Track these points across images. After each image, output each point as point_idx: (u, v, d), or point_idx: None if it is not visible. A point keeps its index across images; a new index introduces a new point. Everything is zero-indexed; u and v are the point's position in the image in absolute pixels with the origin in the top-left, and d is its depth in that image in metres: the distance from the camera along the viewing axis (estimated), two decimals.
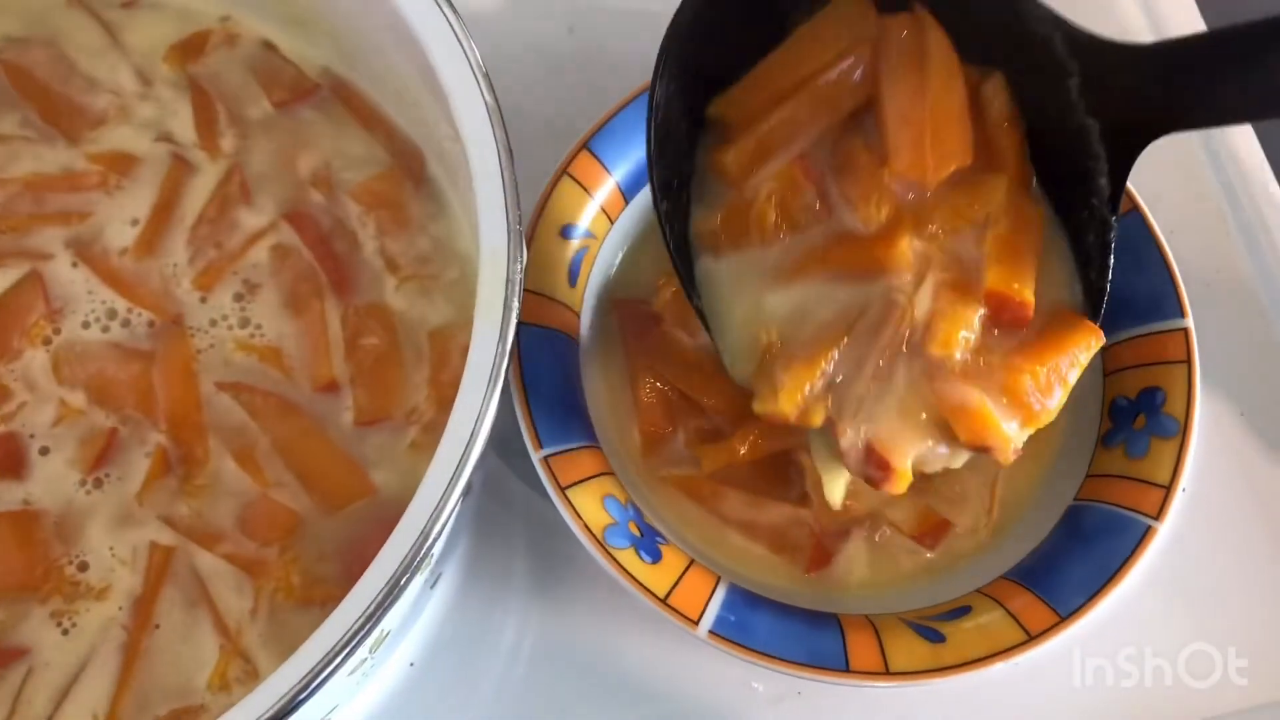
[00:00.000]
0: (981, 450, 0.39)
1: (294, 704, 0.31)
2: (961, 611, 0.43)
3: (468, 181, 0.38)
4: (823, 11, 0.43)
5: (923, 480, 0.41)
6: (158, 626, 0.40)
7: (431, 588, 0.46)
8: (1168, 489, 0.43)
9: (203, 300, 0.44)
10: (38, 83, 0.47)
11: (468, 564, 0.49)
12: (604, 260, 0.50)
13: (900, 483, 0.39)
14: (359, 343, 0.44)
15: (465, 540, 0.49)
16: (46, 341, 0.43)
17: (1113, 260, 0.41)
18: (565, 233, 0.48)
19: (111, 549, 0.41)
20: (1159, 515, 0.43)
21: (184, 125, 0.47)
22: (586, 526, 0.42)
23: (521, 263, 0.36)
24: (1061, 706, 0.47)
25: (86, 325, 0.44)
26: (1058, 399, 0.39)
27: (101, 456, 0.42)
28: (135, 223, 0.45)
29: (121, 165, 0.46)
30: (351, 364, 0.44)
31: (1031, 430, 0.39)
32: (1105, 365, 0.48)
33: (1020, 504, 0.48)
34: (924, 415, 0.39)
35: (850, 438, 0.39)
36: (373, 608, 0.32)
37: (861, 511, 0.47)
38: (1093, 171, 0.41)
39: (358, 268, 0.46)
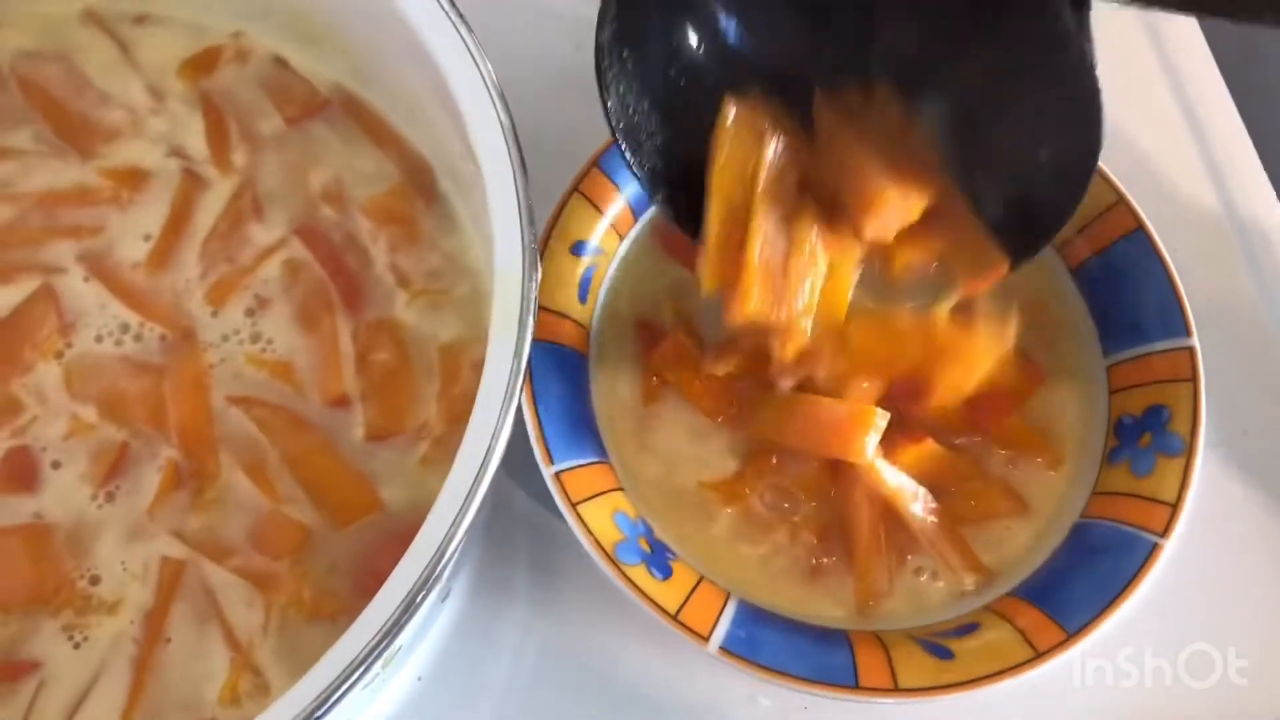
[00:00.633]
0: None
1: None
2: (969, 628, 0.43)
3: (483, 200, 0.38)
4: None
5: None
6: (169, 640, 0.40)
7: (442, 602, 0.46)
8: (1174, 506, 0.44)
9: (214, 315, 0.45)
10: (51, 98, 0.47)
11: (474, 577, 0.49)
12: (614, 277, 0.50)
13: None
14: (370, 358, 0.44)
15: (474, 555, 0.49)
16: (58, 355, 0.43)
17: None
18: (576, 250, 0.48)
19: (123, 563, 0.41)
20: (1165, 533, 0.43)
21: (196, 140, 0.47)
22: (598, 542, 0.42)
23: (536, 281, 0.37)
24: (1061, 706, 0.47)
25: (99, 339, 0.44)
26: None
27: (113, 470, 0.42)
28: (147, 237, 0.46)
29: (134, 180, 0.46)
30: (362, 379, 0.44)
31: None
32: (1111, 383, 0.48)
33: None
34: None
35: None
36: (389, 625, 0.32)
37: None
38: None
39: (369, 283, 0.46)
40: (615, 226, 0.50)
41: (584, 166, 0.49)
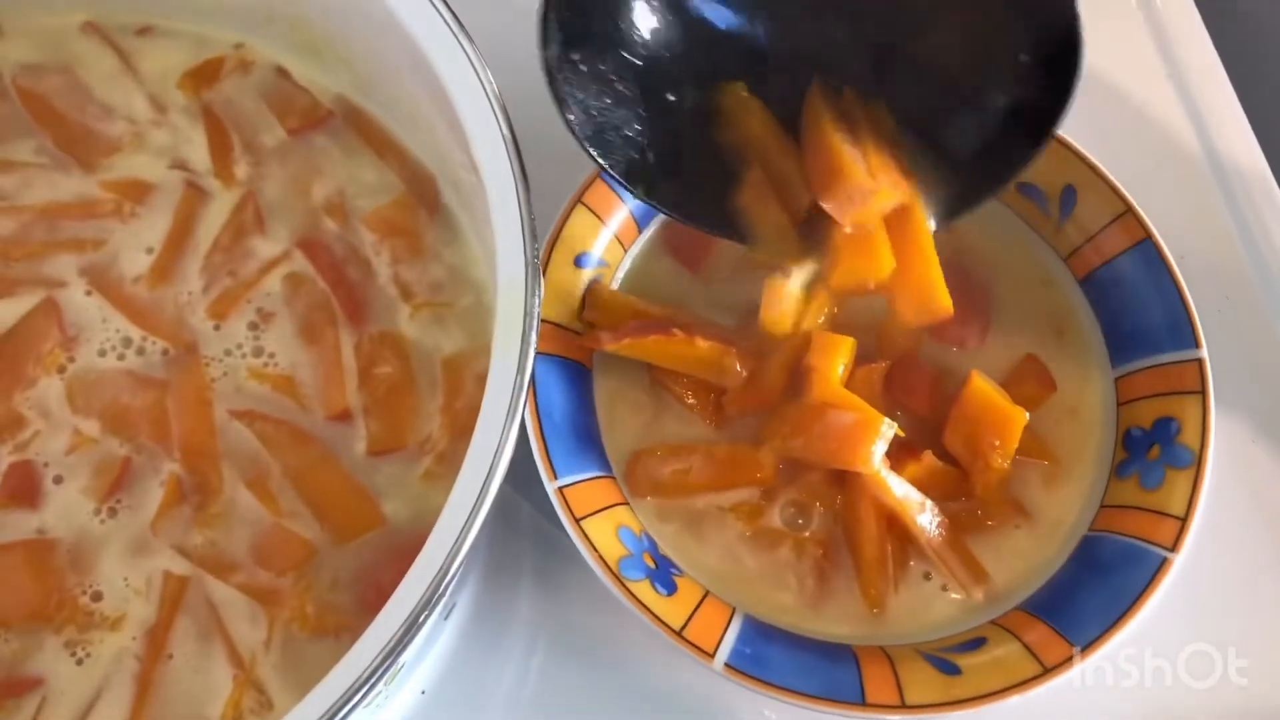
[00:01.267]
0: None
1: None
2: (977, 643, 0.43)
3: (484, 213, 0.38)
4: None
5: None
6: (171, 657, 0.40)
7: (446, 618, 0.46)
8: (1183, 520, 0.43)
9: (216, 329, 0.44)
10: (53, 110, 0.47)
11: (478, 591, 0.49)
12: (617, 287, 0.50)
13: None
14: (372, 371, 0.44)
15: (477, 569, 0.49)
16: (61, 369, 0.43)
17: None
18: (579, 261, 0.48)
19: (125, 579, 0.41)
20: (1174, 547, 0.43)
21: (198, 152, 0.47)
22: (602, 558, 0.42)
23: (539, 295, 0.36)
24: (1062, 706, 0.47)
25: (102, 353, 0.44)
26: None
27: (115, 485, 0.42)
28: (150, 250, 0.45)
29: (136, 193, 0.46)
30: (365, 393, 0.44)
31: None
32: (1119, 395, 0.48)
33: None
34: None
35: None
36: (392, 644, 0.32)
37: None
38: None
39: (372, 296, 0.46)
40: (619, 238, 0.50)
41: (587, 178, 0.49)
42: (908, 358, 0.48)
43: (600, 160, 0.44)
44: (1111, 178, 0.49)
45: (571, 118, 0.43)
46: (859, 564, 0.46)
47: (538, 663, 0.48)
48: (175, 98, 0.48)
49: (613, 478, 0.45)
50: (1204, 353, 0.46)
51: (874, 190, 0.43)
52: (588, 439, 0.46)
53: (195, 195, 0.46)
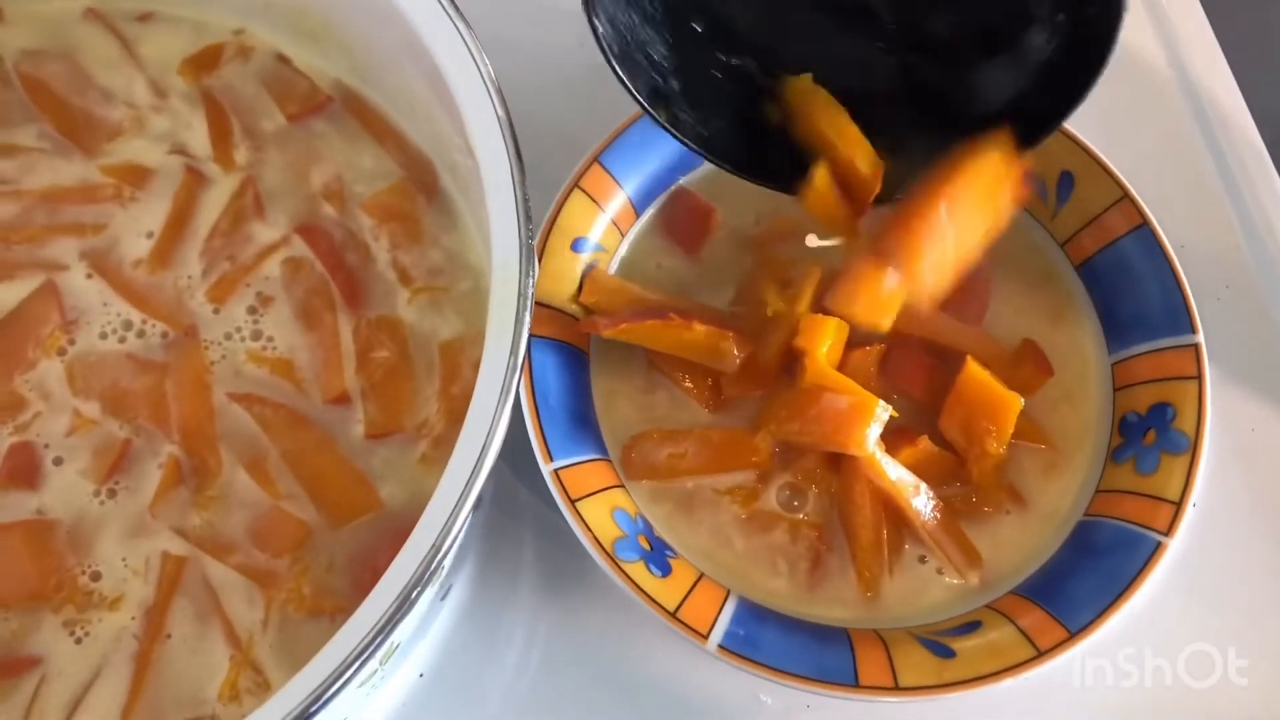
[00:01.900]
0: None
1: (306, 716, 0.31)
2: (971, 627, 0.43)
3: (480, 195, 0.38)
4: None
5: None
6: (169, 636, 0.40)
7: (442, 600, 0.46)
8: (1178, 505, 0.43)
9: (216, 312, 0.45)
10: (54, 95, 0.47)
11: (476, 574, 0.49)
12: (614, 272, 0.50)
13: None
14: (370, 355, 0.44)
15: (475, 551, 0.49)
16: (61, 352, 0.44)
17: None
18: (576, 246, 0.48)
19: (124, 559, 0.41)
20: (1169, 531, 0.43)
21: (198, 138, 0.48)
22: (596, 539, 0.42)
23: (533, 277, 0.37)
24: (1062, 706, 0.47)
25: (102, 336, 0.44)
26: None
27: (114, 467, 0.42)
28: (150, 235, 0.46)
29: (136, 178, 0.46)
30: (363, 377, 0.44)
31: None
32: (1116, 381, 0.48)
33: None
34: None
35: None
36: (384, 621, 0.32)
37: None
38: None
39: (370, 280, 0.46)
40: (616, 223, 0.50)
41: (585, 162, 0.49)
42: (904, 342, 0.48)
43: (626, 80, 0.43)
44: (1108, 164, 0.49)
45: (601, 30, 0.41)
46: (854, 547, 0.46)
47: (538, 646, 0.48)
48: (175, 83, 0.48)
49: (609, 460, 0.46)
50: (1200, 338, 0.46)
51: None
52: (584, 422, 0.46)
53: (195, 180, 0.47)
